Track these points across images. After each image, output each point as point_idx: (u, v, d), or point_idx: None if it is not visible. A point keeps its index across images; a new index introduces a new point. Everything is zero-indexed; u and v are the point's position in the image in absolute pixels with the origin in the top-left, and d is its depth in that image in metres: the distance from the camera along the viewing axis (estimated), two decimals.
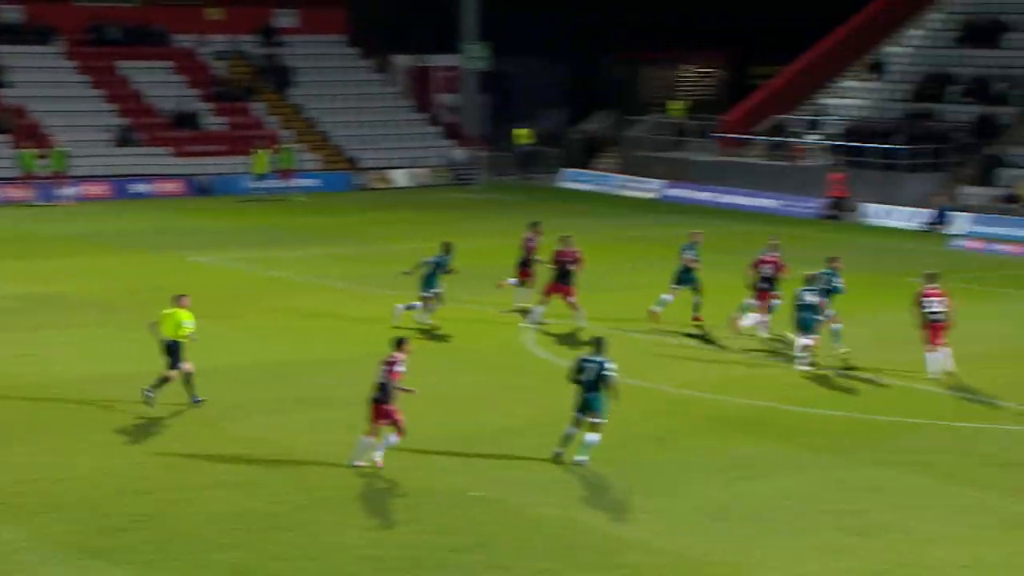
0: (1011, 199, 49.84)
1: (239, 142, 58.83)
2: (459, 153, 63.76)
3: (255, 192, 55.96)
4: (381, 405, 21.23)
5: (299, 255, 42.14)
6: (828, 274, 29.53)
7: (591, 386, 21.60)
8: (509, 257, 34.49)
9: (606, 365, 21.56)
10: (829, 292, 29.07)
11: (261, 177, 56.04)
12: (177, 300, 25.02)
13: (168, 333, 24.60)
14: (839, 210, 52.55)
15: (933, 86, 57.04)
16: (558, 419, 24.29)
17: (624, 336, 30.38)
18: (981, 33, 58.32)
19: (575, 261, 31.58)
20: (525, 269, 33.15)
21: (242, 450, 22.40)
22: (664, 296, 31.85)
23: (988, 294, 35.71)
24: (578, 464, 21.53)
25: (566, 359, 28.70)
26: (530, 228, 33.51)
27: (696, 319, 31.65)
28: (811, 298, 28.19)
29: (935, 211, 49.59)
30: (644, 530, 19.22)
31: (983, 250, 44.97)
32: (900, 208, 51.12)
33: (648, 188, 59.30)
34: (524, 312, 32.19)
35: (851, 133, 56.18)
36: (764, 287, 30.59)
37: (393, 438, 21.34)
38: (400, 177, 61.62)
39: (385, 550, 18.38)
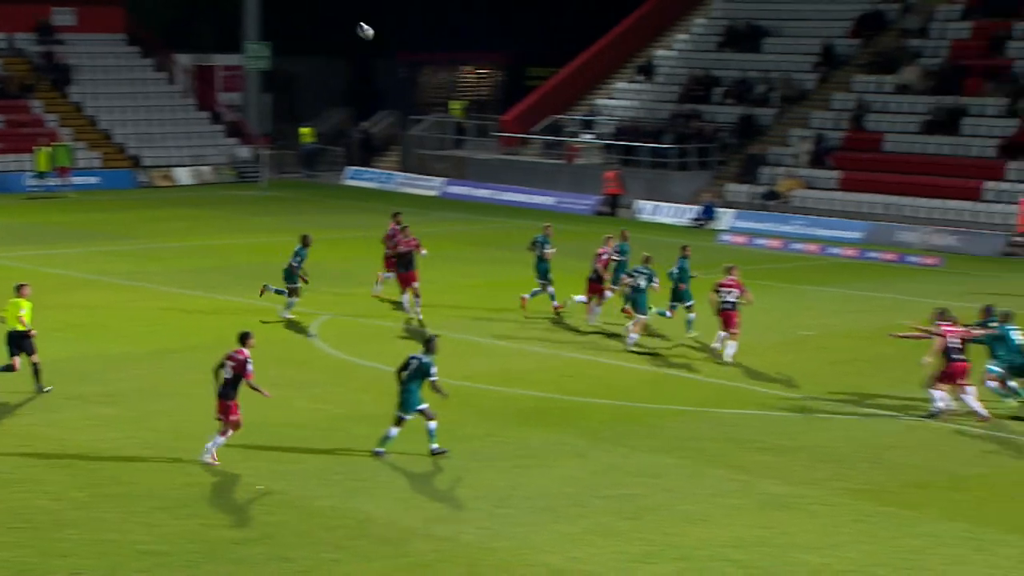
0: (771, 196, 51.41)
1: (17, 140, 57.24)
2: (242, 151, 63.02)
3: (36, 190, 54.53)
4: (226, 401, 21.12)
5: (79, 252, 41.19)
6: (682, 261, 31.00)
7: (408, 382, 21.73)
8: (289, 253, 34.25)
9: (430, 368, 21.69)
10: (670, 277, 30.60)
11: (43, 175, 54.64)
12: (18, 290, 25.03)
13: (11, 324, 24.59)
14: (613, 207, 53.51)
15: (699, 88, 58.45)
16: (340, 414, 24.27)
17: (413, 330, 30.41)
18: (742, 38, 59.98)
19: (416, 247, 32.10)
20: (390, 260, 32.90)
21: (21, 446, 21.82)
22: (536, 290, 32.59)
23: (752, 287, 36.70)
24: (436, 453, 21.79)
25: (351, 354, 28.70)
26: (392, 219, 33.28)
27: (556, 308, 32.56)
28: (643, 282, 29.26)
29: (702, 207, 50.87)
30: (427, 518, 19.30)
31: (747, 244, 46.26)
32: (670, 204, 52.29)
33: (429, 186, 59.53)
34: (397, 304, 32.14)
35: (623, 132, 57.29)
36: (594, 279, 31.51)
37: (220, 438, 21.20)
38: (183, 175, 60.62)
39: (171, 545, 18.11)
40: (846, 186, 50.57)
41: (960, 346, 24.25)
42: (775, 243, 45.69)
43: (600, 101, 61.77)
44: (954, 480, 21.17)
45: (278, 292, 31.62)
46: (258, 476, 20.81)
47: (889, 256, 42.92)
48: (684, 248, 31.58)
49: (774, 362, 28.85)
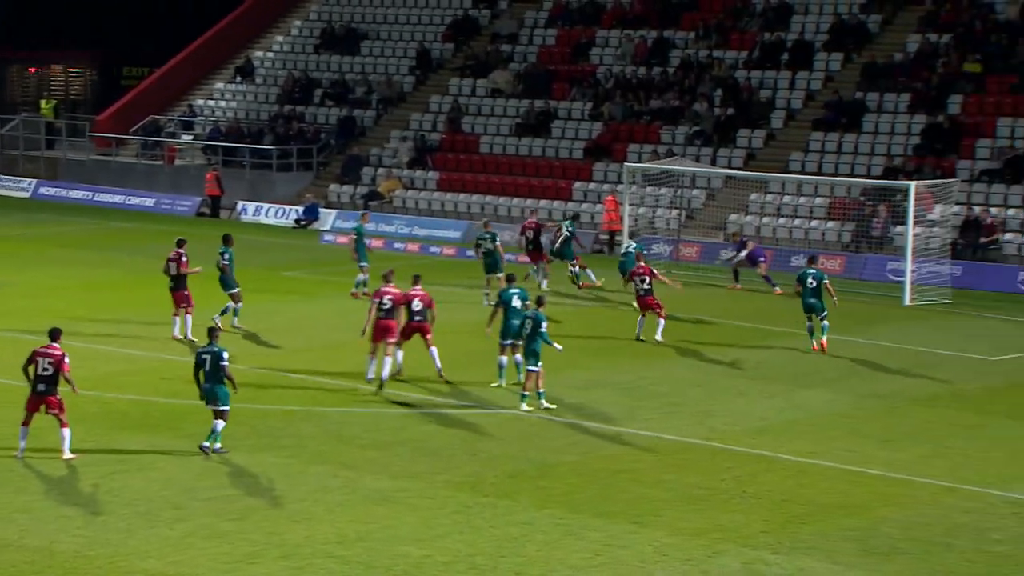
0: (372, 196, 51.85)
1: None
2: None
3: None
4: (50, 397, 21.44)
5: None
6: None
7: (210, 376, 21.78)
8: None
9: (223, 355, 21.73)
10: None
11: None
12: None
13: None
14: (214, 208, 52.85)
15: (299, 89, 58.39)
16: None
17: (14, 339, 29.21)
18: (340, 40, 60.27)
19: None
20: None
21: None
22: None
23: (349, 285, 36.92)
24: (218, 452, 21.84)
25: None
26: (177, 245, 30.99)
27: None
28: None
29: (304, 208, 50.83)
30: (20, 529, 18.55)
31: (349, 244, 46.42)
32: (272, 205, 52.05)
33: (19, 187, 57.28)
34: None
35: (224, 133, 56.62)
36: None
37: (67, 430, 21.55)
38: None
39: None
40: (445, 187, 51.58)
41: (390, 307, 26.35)
42: (377, 243, 46.09)
43: (199, 101, 60.84)
44: (545, 469, 21.91)
45: (223, 313, 30.21)
46: None
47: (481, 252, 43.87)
48: (226, 237, 31.40)
49: (343, 358, 29.06)
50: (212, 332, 22.46)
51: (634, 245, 35.74)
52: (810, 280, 30.42)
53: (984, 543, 18.90)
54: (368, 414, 24.92)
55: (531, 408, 24.91)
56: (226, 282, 31.12)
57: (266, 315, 32.93)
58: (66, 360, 21.64)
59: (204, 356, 22.05)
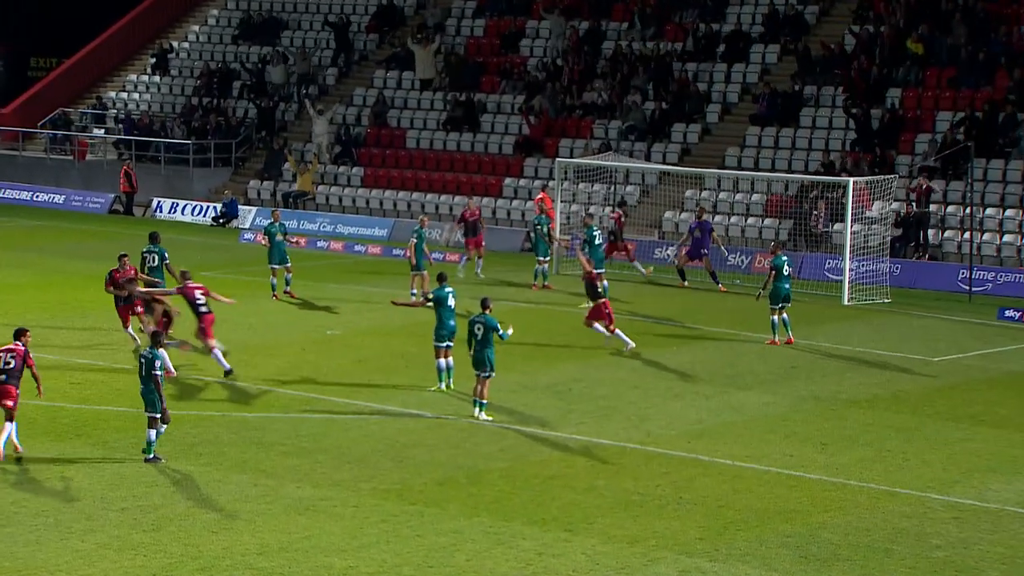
0: (299, 194, 51.51)
1: None
2: None
3: None
4: (9, 387, 22.09)
5: None
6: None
7: (144, 381, 21.92)
8: None
9: (155, 361, 21.98)
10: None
11: None
12: None
13: None
14: (128, 205, 52.37)
15: (216, 81, 57.96)
16: None
17: None
18: (259, 29, 59.91)
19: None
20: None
21: None
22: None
23: (266, 285, 36.70)
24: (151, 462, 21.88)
25: None
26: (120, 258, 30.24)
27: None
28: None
29: (223, 205, 50.45)
30: None
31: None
32: (190, 202, 51.64)
33: None
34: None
35: (137, 127, 56.11)
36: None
37: (11, 424, 22.04)
38: None
39: None
40: (370, 183, 51.42)
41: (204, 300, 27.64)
42: (300, 240, 45.88)
43: (111, 94, 60.28)
44: (475, 475, 21.88)
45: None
46: None
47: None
48: (153, 236, 31.41)
49: (299, 363, 28.98)
50: (155, 336, 22.71)
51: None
52: (786, 267, 31.05)
53: (924, 548, 19.08)
54: (288, 419, 24.78)
55: (490, 417, 24.82)
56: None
57: (185, 316, 32.61)
58: (30, 355, 22.52)
59: (143, 359, 22.04)
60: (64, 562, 17.90)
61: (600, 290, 30.49)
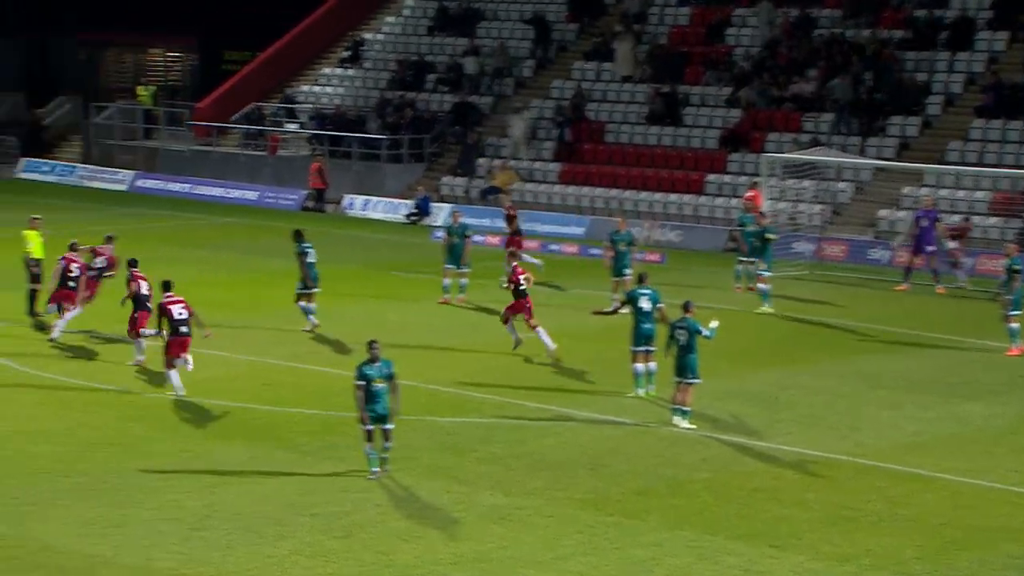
0: (491, 190, 51.91)
1: None
2: None
3: None
4: (188, 338, 25.20)
5: None
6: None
7: (384, 392, 21.47)
8: None
9: (393, 365, 21.57)
10: None
11: None
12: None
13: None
14: (320, 201, 53.26)
15: (410, 74, 58.65)
16: (8, 431, 23.51)
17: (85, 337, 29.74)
18: (455, 21, 60.48)
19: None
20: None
21: None
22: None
23: (470, 286, 36.99)
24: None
25: (26, 365, 27.81)
26: (106, 240, 32.42)
27: None
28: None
29: (416, 202, 51.01)
30: (115, 545, 18.83)
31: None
32: (382, 199, 52.37)
33: (116, 179, 58.28)
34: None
35: (329, 122, 57.02)
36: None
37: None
38: None
39: None
40: (567, 179, 51.53)
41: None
42: (494, 240, 46.20)
43: (304, 88, 61.44)
44: (676, 486, 21.76)
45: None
46: None
47: (612, 252, 43.81)
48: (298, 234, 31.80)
49: (488, 366, 29.17)
50: (372, 345, 21.68)
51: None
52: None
53: None
54: (481, 424, 24.95)
55: (693, 425, 24.70)
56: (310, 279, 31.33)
57: (370, 318, 33.14)
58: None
59: (367, 371, 21.46)
60: (256, 568, 18.29)
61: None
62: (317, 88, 61.12)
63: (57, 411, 24.84)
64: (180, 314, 25.56)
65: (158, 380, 27.09)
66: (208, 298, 34.41)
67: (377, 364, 21.47)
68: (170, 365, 25.78)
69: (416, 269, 39.81)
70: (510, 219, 38.94)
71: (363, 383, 21.40)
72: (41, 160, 61.15)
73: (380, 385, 21.44)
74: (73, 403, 25.53)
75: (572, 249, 44.90)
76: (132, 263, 27.50)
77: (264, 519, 19.92)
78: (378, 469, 21.57)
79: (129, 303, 28.05)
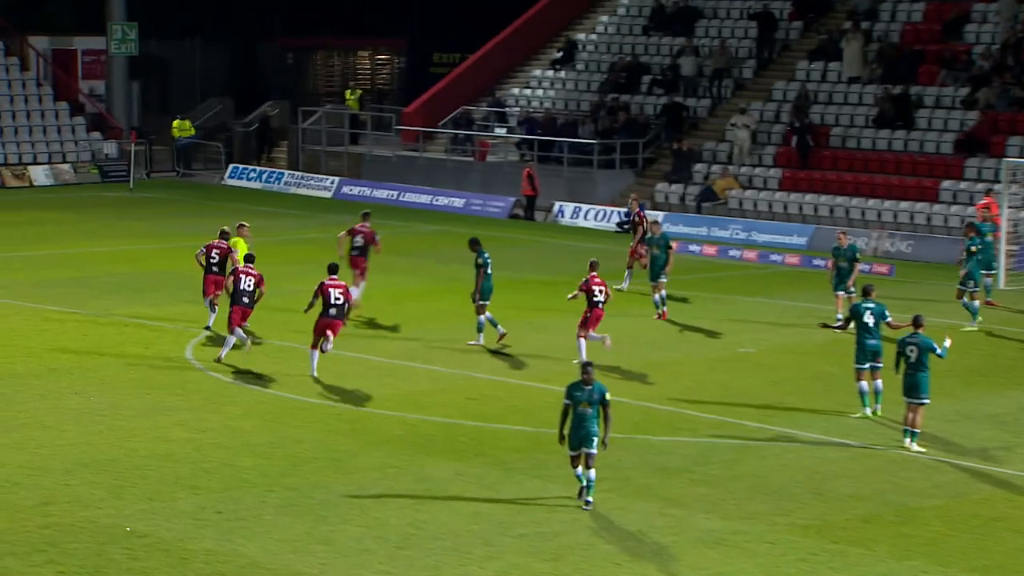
0: (706, 196, 51.67)
1: None
2: (108, 147, 62.44)
3: None
4: (338, 321, 27.89)
5: None
6: None
7: (590, 417, 20.94)
8: (170, 261, 34.12)
9: (606, 392, 21.04)
10: None
11: None
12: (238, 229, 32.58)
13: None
14: (530, 209, 53.53)
15: (624, 75, 58.66)
16: (217, 443, 24.09)
17: (287, 348, 30.33)
18: (672, 19, 60.33)
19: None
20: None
21: None
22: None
23: (688, 298, 36.87)
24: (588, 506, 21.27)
25: (230, 376, 28.49)
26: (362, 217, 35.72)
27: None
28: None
29: (628, 210, 50.88)
30: (321, 562, 19.18)
31: (679, 251, 46.28)
32: (592, 206, 52.45)
33: (321, 186, 59.39)
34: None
35: (540, 126, 57.25)
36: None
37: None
38: (40, 174, 59.99)
39: None
40: (788, 185, 51.04)
41: None
42: (710, 250, 46.00)
43: (515, 90, 61.89)
44: (906, 513, 21.40)
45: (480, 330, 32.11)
46: (123, 516, 20.57)
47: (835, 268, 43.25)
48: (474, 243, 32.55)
49: (708, 382, 29.03)
50: (587, 368, 21.20)
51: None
52: None
53: None
54: (697, 444, 24.83)
55: (923, 448, 24.29)
56: (486, 290, 31.59)
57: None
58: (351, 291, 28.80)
59: (577, 394, 21.10)
60: None
61: None
62: (528, 91, 61.53)
63: (262, 423, 25.39)
64: (336, 299, 27.95)
65: (362, 395, 27.53)
66: (413, 310, 34.89)
67: (588, 387, 21.14)
68: (314, 345, 28.18)
69: (632, 282, 39.73)
70: (636, 225, 38.92)
71: (568, 402, 21.28)
72: (247, 166, 62.59)
73: (586, 409, 21.08)
74: (279, 415, 26.08)
75: (794, 260, 44.44)
76: (332, 269, 28.51)
77: (470, 538, 20.09)
78: (590, 499, 21.37)
79: (317, 305, 28.50)
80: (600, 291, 29.53)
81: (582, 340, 29.39)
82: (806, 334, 32.24)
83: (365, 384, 28.20)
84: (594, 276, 29.81)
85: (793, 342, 32.36)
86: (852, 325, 26.54)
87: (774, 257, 45.02)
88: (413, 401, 27.04)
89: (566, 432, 21.21)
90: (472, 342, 31.52)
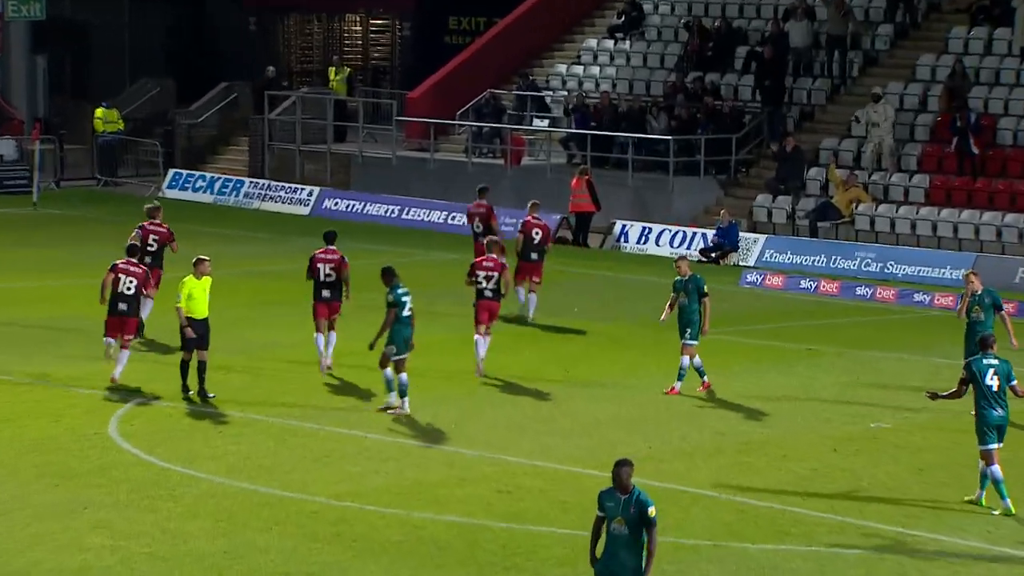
0: (824, 213, 51.45)
1: None
2: (2, 146, 62.73)
3: None
4: (335, 302, 34.11)
5: None
6: None
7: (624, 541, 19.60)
8: (87, 304, 34.31)
9: (649, 507, 19.52)
10: None
11: None
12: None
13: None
14: (582, 230, 53.24)
15: (711, 47, 58.61)
16: (144, 554, 24.13)
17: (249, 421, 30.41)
18: None
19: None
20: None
21: None
22: None
23: (791, 352, 36.81)
24: None
25: (170, 460, 28.52)
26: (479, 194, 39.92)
27: None
28: None
29: (717, 232, 50.82)
30: None
31: (785, 288, 46.32)
32: (667, 227, 52.25)
33: (296, 198, 59.45)
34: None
35: (595, 117, 57.16)
36: None
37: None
38: None
39: None
40: (938, 199, 50.97)
41: None
42: (829, 286, 45.91)
43: (560, 68, 61.97)
44: None
45: None
46: None
47: (1007, 306, 43.05)
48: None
49: (830, 466, 29.00)
50: (624, 463, 19.70)
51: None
52: None
53: None
54: (812, 555, 24.74)
55: None
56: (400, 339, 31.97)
57: (641, 394, 33.17)
58: (346, 260, 34.12)
59: (609, 504, 19.61)
60: None
61: None
62: (577, 68, 61.61)
63: (213, 525, 25.36)
64: (328, 275, 33.97)
65: (350, 486, 27.54)
66: (424, 366, 34.88)
67: (623, 496, 19.56)
68: (317, 329, 34.11)
69: (719, 325, 39.66)
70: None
71: (601, 515, 19.84)
72: (194, 171, 62.56)
73: (620, 528, 19.50)
74: (236, 514, 26.05)
75: (946, 300, 44.11)
76: (328, 237, 35.10)
77: None
78: None
79: None
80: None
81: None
82: (964, 404, 32.12)
83: (354, 470, 28.18)
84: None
85: (943, 414, 32.26)
86: (969, 389, 26.44)
87: (919, 297, 44.90)
88: (420, 494, 27.02)
89: (598, 554, 19.89)
90: (387, 407, 31.77)
